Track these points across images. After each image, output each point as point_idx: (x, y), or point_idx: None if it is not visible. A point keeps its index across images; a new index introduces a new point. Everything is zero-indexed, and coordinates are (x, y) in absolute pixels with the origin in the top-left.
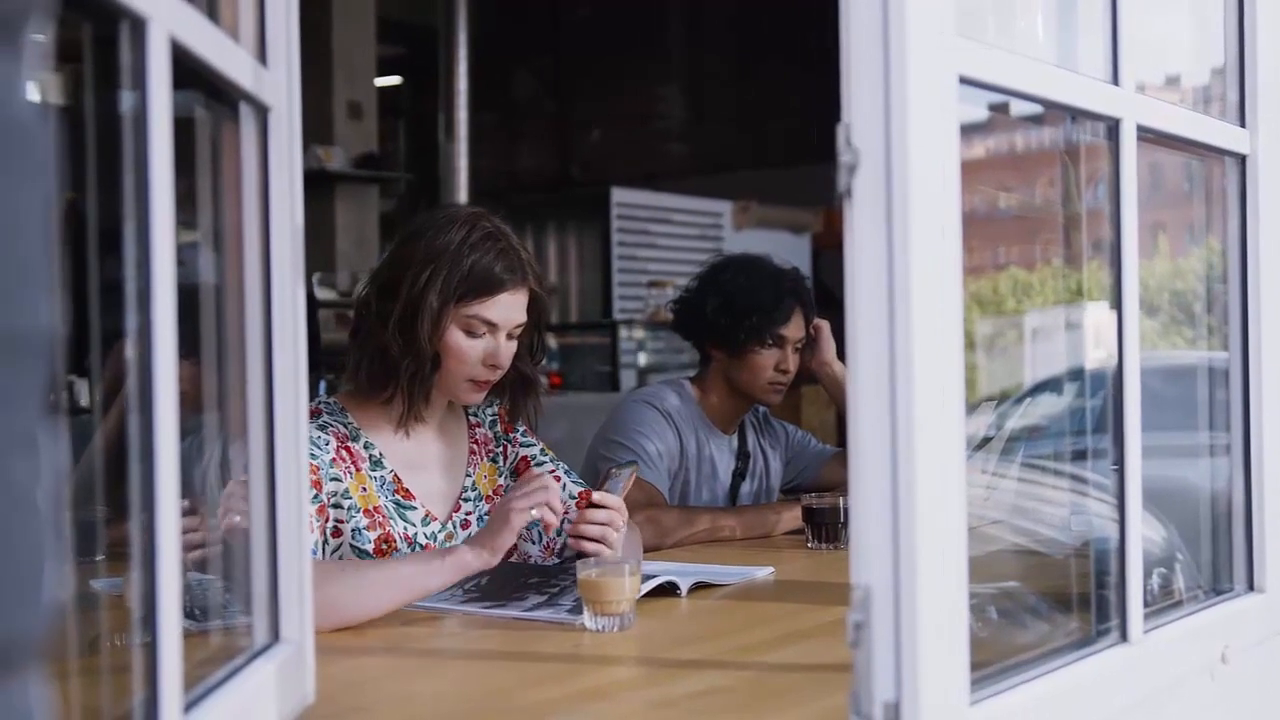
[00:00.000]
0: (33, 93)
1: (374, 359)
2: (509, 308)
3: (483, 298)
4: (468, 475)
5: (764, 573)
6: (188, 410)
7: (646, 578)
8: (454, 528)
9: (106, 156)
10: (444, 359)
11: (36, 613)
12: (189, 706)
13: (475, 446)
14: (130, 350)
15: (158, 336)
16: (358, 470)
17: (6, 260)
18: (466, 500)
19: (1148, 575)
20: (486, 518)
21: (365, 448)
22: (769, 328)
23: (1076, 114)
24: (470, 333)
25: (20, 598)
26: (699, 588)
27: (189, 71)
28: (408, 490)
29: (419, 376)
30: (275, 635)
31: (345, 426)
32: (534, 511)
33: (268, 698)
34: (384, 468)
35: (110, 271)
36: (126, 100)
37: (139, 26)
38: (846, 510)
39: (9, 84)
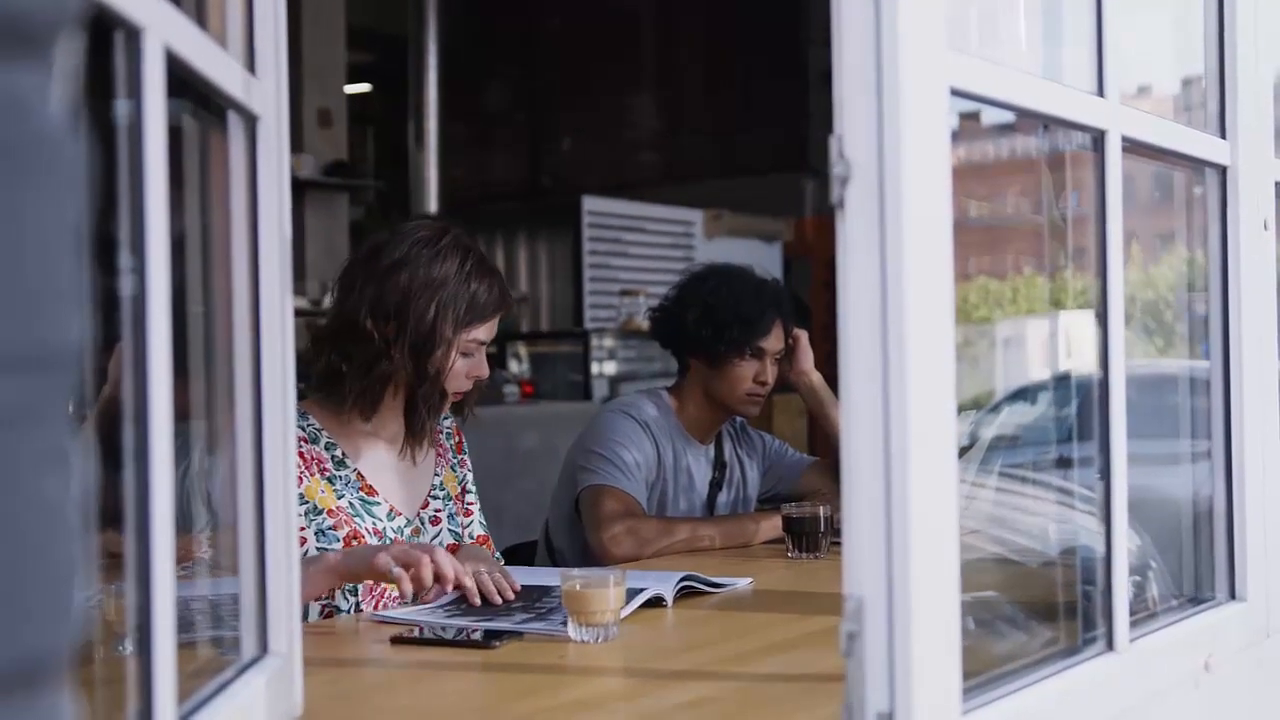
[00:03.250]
0: (62, 104)
1: (378, 384)
2: (496, 326)
3: (483, 323)
4: (436, 475)
5: (744, 583)
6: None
7: (631, 591)
8: (421, 523)
9: (97, 164)
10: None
11: (68, 626)
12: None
13: (441, 450)
14: (125, 360)
15: (152, 346)
16: (313, 474)
17: (38, 275)
18: (436, 498)
19: None
20: (454, 517)
21: (326, 449)
22: (750, 340)
23: (1063, 125)
24: (466, 354)
25: (54, 612)
26: (684, 595)
27: (178, 80)
28: (372, 487)
29: (432, 405)
30: (264, 648)
31: (304, 429)
32: (396, 571)
33: (258, 710)
34: (347, 467)
35: (97, 280)
36: (120, 109)
37: (134, 36)
38: (827, 519)
39: (39, 97)
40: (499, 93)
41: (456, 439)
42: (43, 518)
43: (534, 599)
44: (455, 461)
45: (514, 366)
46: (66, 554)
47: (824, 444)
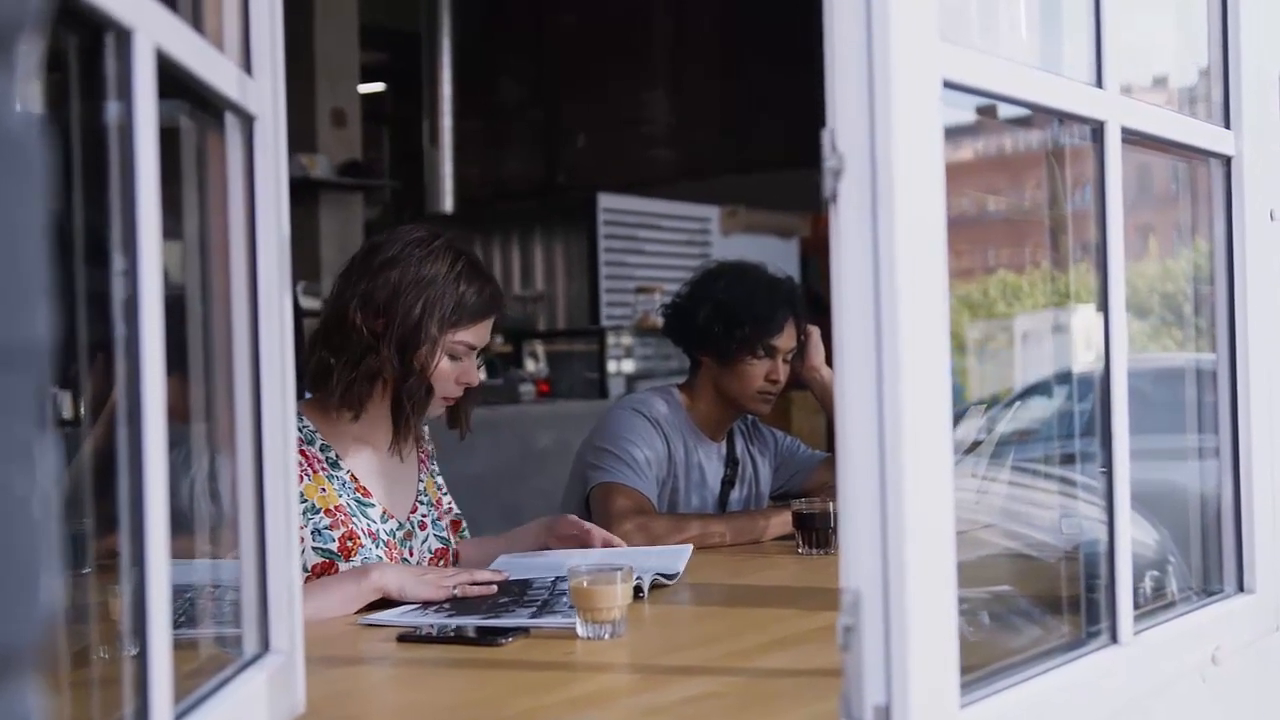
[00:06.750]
0: (26, 104)
1: (364, 379)
2: (487, 332)
3: (470, 325)
4: (420, 481)
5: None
6: (174, 423)
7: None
8: (412, 526)
9: (90, 166)
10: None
11: (34, 621)
12: (179, 716)
13: (423, 457)
14: (118, 362)
15: (145, 347)
16: (315, 473)
17: (4, 273)
18: (422, 503)
19: (1140, 578)
20: (438, 522)
21: (322, 450)
22: (762, 338)
23: (1061, 117)
24: (452, 356)
25: (18, 607)
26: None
27: (173, 80)
28: (365, 489)
29: (417, 400)
30: (265, 645)
31: (300, 431)
32: (456, 591)
33: (258, 707)
34: (342, 469)
35: (95, 282)
36: (111, 110)
37: (124, 37)
38: (836, 515)
39: (3, 97)
40: (513, 90)
41: (431, 450)
42: (9, 512)
43: (523, 592)
44: (433, 470)
45: (530, 365)
46: (32, 547)
47: None
